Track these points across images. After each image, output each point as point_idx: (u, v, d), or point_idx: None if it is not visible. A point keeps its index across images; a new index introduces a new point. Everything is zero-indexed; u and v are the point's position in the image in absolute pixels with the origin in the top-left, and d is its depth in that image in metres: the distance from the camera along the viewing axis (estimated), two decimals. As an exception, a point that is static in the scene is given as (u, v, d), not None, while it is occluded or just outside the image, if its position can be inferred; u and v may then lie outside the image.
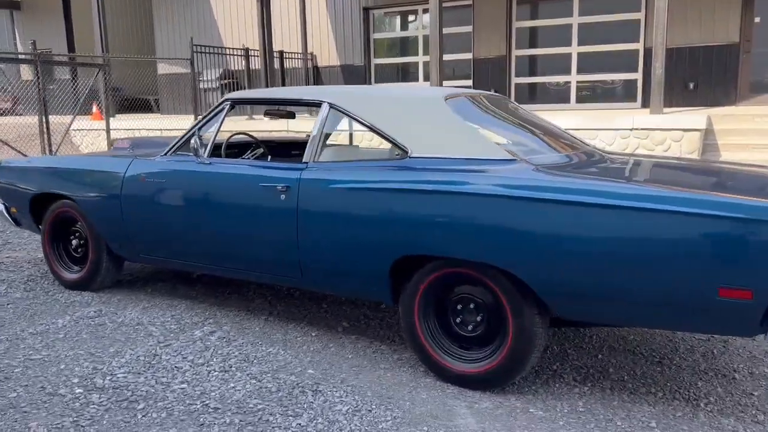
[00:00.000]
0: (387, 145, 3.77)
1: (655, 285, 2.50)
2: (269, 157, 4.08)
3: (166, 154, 3.83)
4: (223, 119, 3.70)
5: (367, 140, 9.43)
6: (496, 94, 3.94)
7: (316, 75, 14.76)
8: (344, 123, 4.20)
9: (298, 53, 14.33)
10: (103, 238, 4.09)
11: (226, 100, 3.75)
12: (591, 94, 12.50)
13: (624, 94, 12.08)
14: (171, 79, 15.55)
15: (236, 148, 4.24)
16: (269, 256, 3.39)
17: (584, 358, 3.31)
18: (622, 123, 8.86)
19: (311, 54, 14.61)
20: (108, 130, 10.48)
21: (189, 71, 11.84)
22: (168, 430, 2.60)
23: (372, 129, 3.21)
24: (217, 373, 3.11)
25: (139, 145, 4.84)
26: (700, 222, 2.39)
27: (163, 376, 3.06)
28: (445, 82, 12.15)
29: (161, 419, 2.68)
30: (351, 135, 5.23)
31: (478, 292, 2.91)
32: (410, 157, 3.05)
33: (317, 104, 3.42)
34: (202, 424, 2.64)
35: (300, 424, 2.64)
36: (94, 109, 14.11)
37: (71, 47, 18.01)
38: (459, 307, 2.98)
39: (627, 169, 3.20)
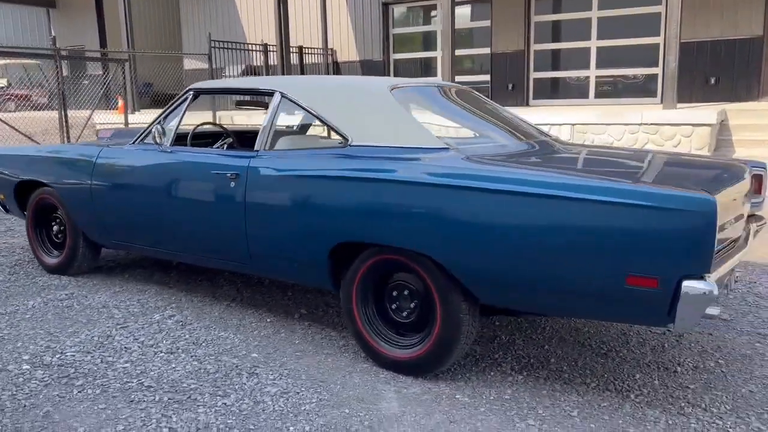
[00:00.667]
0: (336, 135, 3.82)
1: (569, 273, 2.49)
2: (235, 146, 4.17)
3: (134, 142, 3.94)
4: (186, 108, 3.79)
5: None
6: (463, 87, 3.93)
7: (336, 70, 14.86)
8: (297, 112, 4.26)
9: (318, 49, 14.45)
10: (78, 224, 4.23)
11: (189, 90, 3.84)
12: (611, 89, 12.29)
13: (644, 89, 11.85)
14: (195, 74, 15.83)
15: (209, 138, 4.33)
16: (221, 243, 3.47)
17: (530, 348, 3.30)
18: (632, 118, 8.71)
19: (331, 49, 14.71)
20: (126, 124, 10.75)
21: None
22: (98, 405, 2.70)
23: (318, 118, 3.26)
24: (163, 354, 3.20)
25: (120, 135, 4.99)
26: (606, 210, 2.37)
27: (110, 356, 3.16)
28: (459, 78, 12.12)
29: (95, 395, 2.78)
30: (308, 125, 5.27)
31: (412, 279, 2.94)
32: (350, 146, 3.08)
33: (270, 93, 3.48)
34: (131, 401, 2.73)
35: (225, 404, 2.71)
36: (120, 103, 14.48)
37: (103, 44, 18.49)
38: (395, 293, 3.00)
39: (569, 160, 3.18)
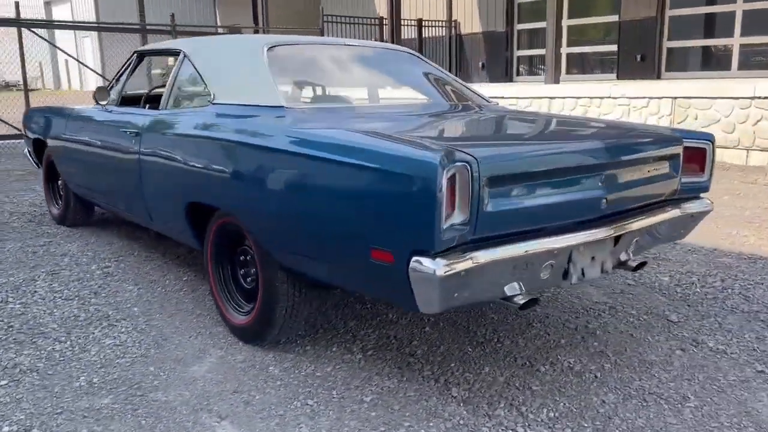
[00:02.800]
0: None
1: (328, 241, 2.25)
2: None
3: (97, 104, 4.19)
4: (131, 71, 3.95)
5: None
6: (401, 51, 3.66)
7: (459, 43, 14.50)
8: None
9: (441, 21, 14.18)
10: (64, 178, 4.62)
11: (135, 52, 3.99)
12: (764, 60, 10.64)
13: (796, 58, 10.12)
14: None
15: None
16: (132, 200, 3.59)
17: (413, 329, 3.03)
18: (743, 91, 7.51)
19: (455, 21, 14.36)
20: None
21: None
22: (-44, 337, 2.95)
23: (200, 75, 3.22)
24: (59, 300, 3.41)
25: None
26: (347, 171, 2.10)
27: (12, 297, 3.43)
28: (581, 48, 11.27)
29: (-38, 328, 3.04)
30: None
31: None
32: (211, 104, 3.02)
33: (177, 53, 3.50)
34: (-17, 337, 2.95)
35: (54, 349, 2.82)
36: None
37: (255, 21, 19.68)
38: (242, 259, 2.92)
39: (413, 121, 2.86)
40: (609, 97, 8.79)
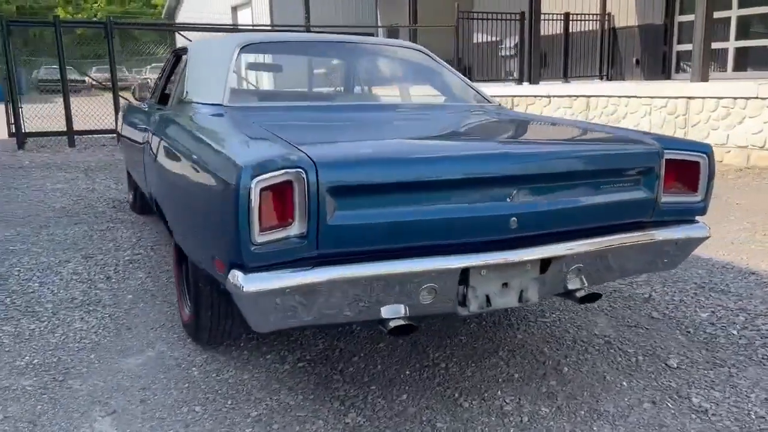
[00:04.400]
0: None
1: (193, 246, 2.20)
2: None
3: (150, 99, 4.47)
4: (170, 69, 4.14)
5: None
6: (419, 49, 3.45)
7: (612, 38, 13.46)
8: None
9: (592, 15, 13.27)
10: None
11: (172, 51, 4.18)
12: None
13: None
14: (479, 47, 15.98)
15: None
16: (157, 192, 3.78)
17: (365, 343, 2.87)
18: None
19: (608, 14, 13.36)
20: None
21: (493, 39, 12.11)
22: (-33, 309, 3.31)
23: (185, 75, 3.28)
24: (74, 282, 3.68)
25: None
26: (199, 174, 2.01)
27: (36, 277, 3.76)
28: (745, 42, 9.98)
29: (-23, 301, 3.40)
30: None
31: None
32: (182, 102, 3.07)
33: (185, 52, 3.60)
34: (-13, 311, 3.27)
35: (30, 328, 3.05)
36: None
37: (414, 20, 19.84)
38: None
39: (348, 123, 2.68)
40: (755, 98, 7.64)
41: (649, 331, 3.00)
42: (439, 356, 2.74)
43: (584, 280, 2.28)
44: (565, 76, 13.09)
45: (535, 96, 10.53)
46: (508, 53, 14.25)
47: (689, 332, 2.97)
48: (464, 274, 2.03)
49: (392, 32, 17.56)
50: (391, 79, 3.34)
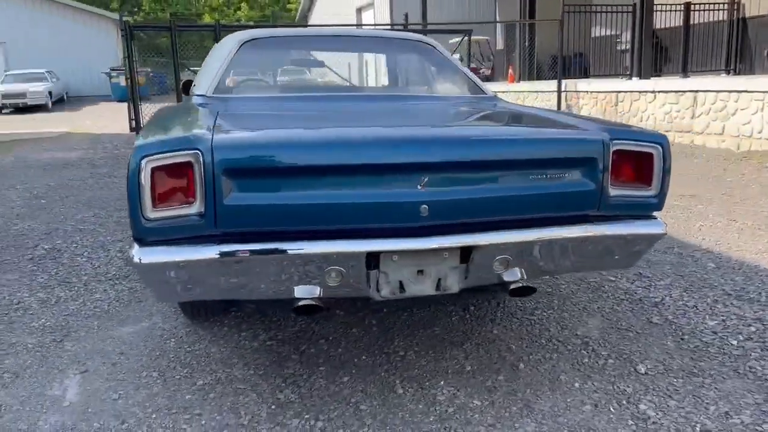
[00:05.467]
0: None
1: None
2: None
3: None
4: (231, 60, 4.27)
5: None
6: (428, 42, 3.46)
7: (741, 28, 12.37)
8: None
9: (718, 3, 12.29)
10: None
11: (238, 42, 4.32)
12: None
13: None
14: (596, 41, 15.32)
15: None
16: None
17: (339, 327, 2.96)
18: None
19: (737, 3, 12.30)
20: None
21: (610, 33, 11.65)
22: None
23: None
24: (119, 261, 4.07)
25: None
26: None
27: (95, 257, 4.18)
28: None
29: None
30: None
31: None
32: (191, 94, 3.30)
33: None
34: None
35: (59, 295, 3.43)
36: (510, 72, 15.30)
37: (532, 14, 19.36)
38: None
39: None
40: None
41: (639, 335, 2.82)
42: (403, 345, 2.76)
43: (522, 272, 2.22)
44: (684, 71, 12.21)
45: (641, 92, 9.96)
46: (624, 47, 13.58)
47: (682, 339, 2.77)
48: (374, 259, 2.06)
49: (510, 27, 17.27)
50: (386, 70, 3.37)
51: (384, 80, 3.56)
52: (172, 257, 1.90)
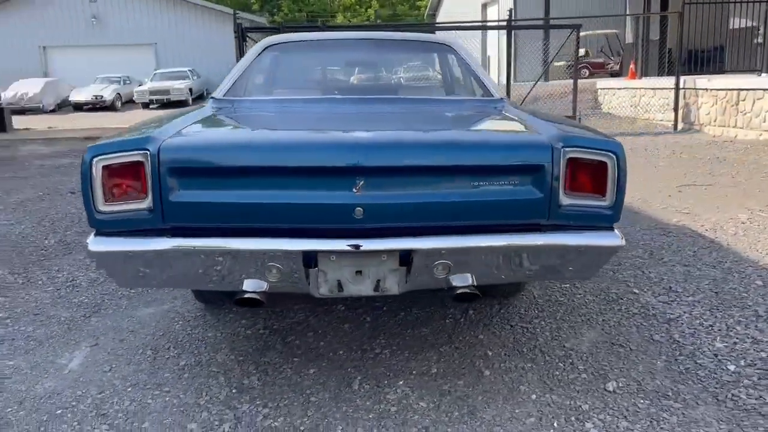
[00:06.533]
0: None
1: None
2: None
3: None
4: (249, 64, 4.44)
5: None
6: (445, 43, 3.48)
7: None
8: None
9: None
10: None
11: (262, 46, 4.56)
12: None
13: None
14: (734, 33, 14.14)
15: None
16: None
17: (311, 318, 3.09)
18: None
19: None
20: (607, 90, 11.05)
21: (750, 25, 10.88)
22: None
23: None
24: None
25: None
26: None
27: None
28: None
29: None
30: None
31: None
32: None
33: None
34: None
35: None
36: (631, 67, 14.52)
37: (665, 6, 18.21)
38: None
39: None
40: None
41: (631, 352, 2.69)
42: (384, 343, 2.82)
43: (473, 278, 2.21)
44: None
45: (764, 90, 9.11)
46: (758, 40, 12.50)
47: (675, 360, 2.60)
48: (312, 258, 2.15)
49: (636, 20, 16.42)
50: (401, 73, 3.42)
51: (398, 82, 3.61)
52: (119, 247, 2.11)
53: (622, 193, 2.13)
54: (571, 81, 11.67)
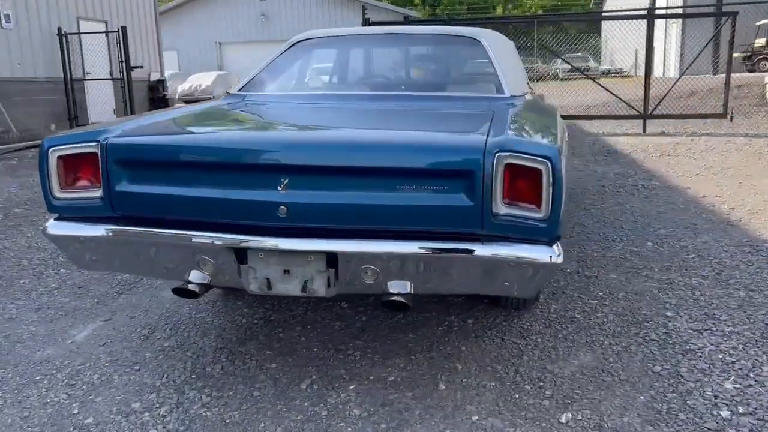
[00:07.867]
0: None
1: None
2: None
3: None
4: (273, 60, 4.14)
5: None
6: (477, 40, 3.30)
7: None
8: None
9: None
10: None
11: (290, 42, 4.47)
12: None
13: None
14: None
15: None
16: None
17: (298, 315, 3.10)
18: None
19: None
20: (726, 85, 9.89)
21: None
22: None
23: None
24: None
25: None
26: None
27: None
28: None
29: None
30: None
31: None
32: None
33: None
34: None
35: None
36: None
37: None
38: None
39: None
40: None
41: (617, 383, 2.40)
42: (362, 345, 2.77)
43: (411, 287, 2.11)
44: None
45: None
46: None
47: (662, 397, 2.28)
48: (242, 253, 2.17)
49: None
50: (420, 69, 3.29)
51: (412, 78, 3.50)
52: (70, 232, 2.27)
53: (558, 203, 1.89)
54: (746, 74, 10.44)
